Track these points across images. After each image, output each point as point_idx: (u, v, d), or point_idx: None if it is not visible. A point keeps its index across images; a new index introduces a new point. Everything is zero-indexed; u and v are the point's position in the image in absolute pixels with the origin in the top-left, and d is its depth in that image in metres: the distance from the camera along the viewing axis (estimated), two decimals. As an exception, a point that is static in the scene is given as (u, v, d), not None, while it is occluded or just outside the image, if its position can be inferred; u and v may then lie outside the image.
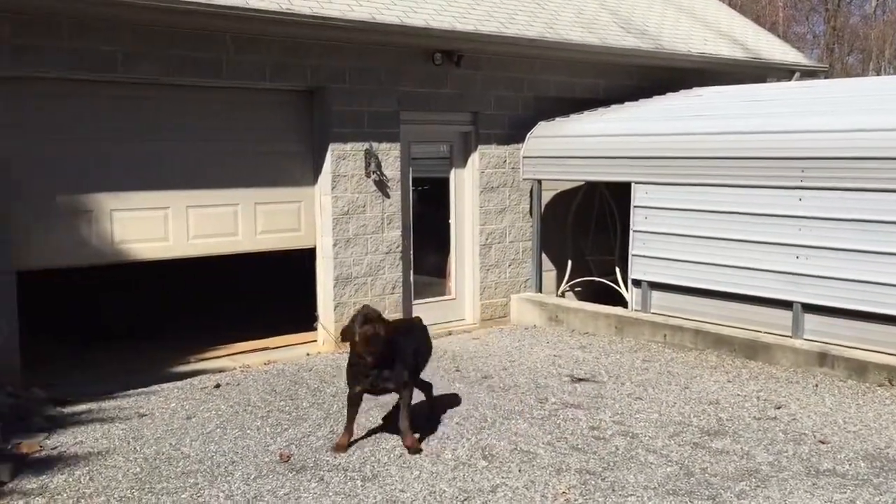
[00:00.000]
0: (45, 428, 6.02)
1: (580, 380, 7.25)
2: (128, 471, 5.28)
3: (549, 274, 10.31)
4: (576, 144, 9.26)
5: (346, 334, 5.53)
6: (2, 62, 6.65)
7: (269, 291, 10.61)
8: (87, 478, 5.16)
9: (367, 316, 5.44)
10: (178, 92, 7.72)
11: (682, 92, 10.30)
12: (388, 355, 5.55)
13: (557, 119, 9.73)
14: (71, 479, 5.13)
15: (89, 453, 5.58)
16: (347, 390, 5.76)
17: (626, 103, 10.04)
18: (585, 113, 9.82)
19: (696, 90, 10.27)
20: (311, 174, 8.63)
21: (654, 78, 10.66)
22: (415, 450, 5.54)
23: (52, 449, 5.65)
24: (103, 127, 7.39)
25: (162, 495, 4.89)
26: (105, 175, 7.40)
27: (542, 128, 9.69)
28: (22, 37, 6.72)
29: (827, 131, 7.38)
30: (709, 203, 8.17)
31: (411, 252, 9.27)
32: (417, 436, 5.70)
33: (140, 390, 7.04)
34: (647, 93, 10.36)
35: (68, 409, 6.50)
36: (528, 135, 9.70)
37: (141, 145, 7.58)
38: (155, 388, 7.14)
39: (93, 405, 6.63)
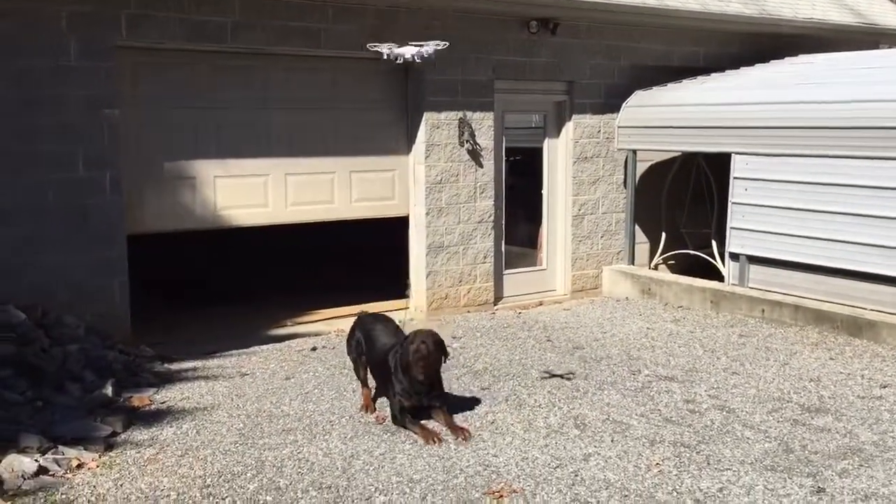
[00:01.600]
0: (154, 384, 6.32)
1: (670, 356, 7.16)
2: (231, 426, 5.50)
3: (642, 246, 10.15)
4: (673, 114, 9.05)
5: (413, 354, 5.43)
6: (120, 32, 6.92)
7: (362, 259, 10.80)
8: (194, 431, 5.41)
9: (425, 338, 5.42)
10: (281, 61, 7.90)
11: (787, 59, 9.90)
12: (437, 375, 5.55)
13: (654, 88, 9.51)
14: (179, 432, 5.39)
15: (195, 408, 5.84)
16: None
17: (727, 71, 9.73)
18: (684, 81, 9.56)
19: (802, 57, 9.86)
20: (405, 143, 8.71)
21: (756, 45, 10.29)
22: (469, 434, 5.37)
23: (160, 403, 5.94)
24: (211, 96, 7.63)
25: (264, 450, 5.09)
26: (210, 143, 7.65)
27: (638, 97, 9.50)
28: (140, 7, 6.97)
29: (945, 99, 7.00)
30: (812, 174, 7.88)
31: (503, 222, 9.27)
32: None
33: (241, 351, 7.31)
34: (748, 61, 10.00)
35: (175, 367, 6.80)
36: (623, 104, 9.52)
37: (246, 114, 7.80)
38: (255, 349, 7.40)
39: (197, 363, 6.92)
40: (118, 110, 6.99)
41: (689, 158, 9.95)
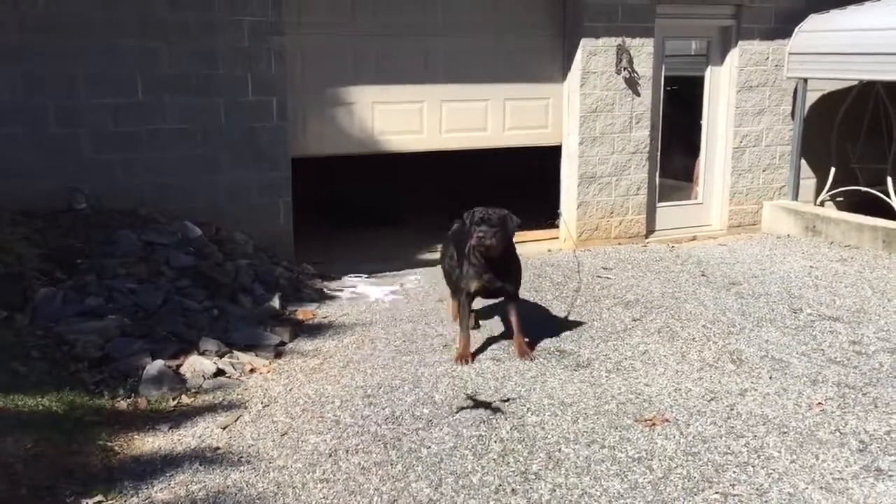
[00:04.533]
0: (315, 299, 6.66)
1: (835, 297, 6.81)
2: (388, 342, 5.74)
3: (807, 182, 9.61)
4: (852, 39, 8.39)
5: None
6: (286, -38, 7.13)
7: (511, 188, 10.80)
8: (354, 346, 5.68)
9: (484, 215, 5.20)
10: (443, -12, 7.91)
11: None
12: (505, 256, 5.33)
13: (832, 11, 8.84)
14: (340, 346, 5.68)
15: (354, 324, 6.12)
16: (456, 299, 5.60)
17: (918, -9, 8.90)
18: (867, 3, 8.81)
19: None
20: (560, 71, 8.56)
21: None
22: (529, 357, 5.38)
23: (322, 318, 6.26)
24: (372, 23, 7.74)
25: (420, 367, 5.27)
26: (370, 69, 7.79)
27: (813, 21, 8.86)
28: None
29: None
30: None
31: (658, 153, 9.00)
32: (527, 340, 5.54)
33: (394, 273, 7.55)
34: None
35: (333, 285, 7.13)
36: (796, 29, 8.92)
37: (404, 40, 7.87)
38: (407, 271, 7.63)
39: (354, 282, 7.22)
40: (285, 37, 7.23)
41: (866, 88, 9.25)
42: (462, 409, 4.65)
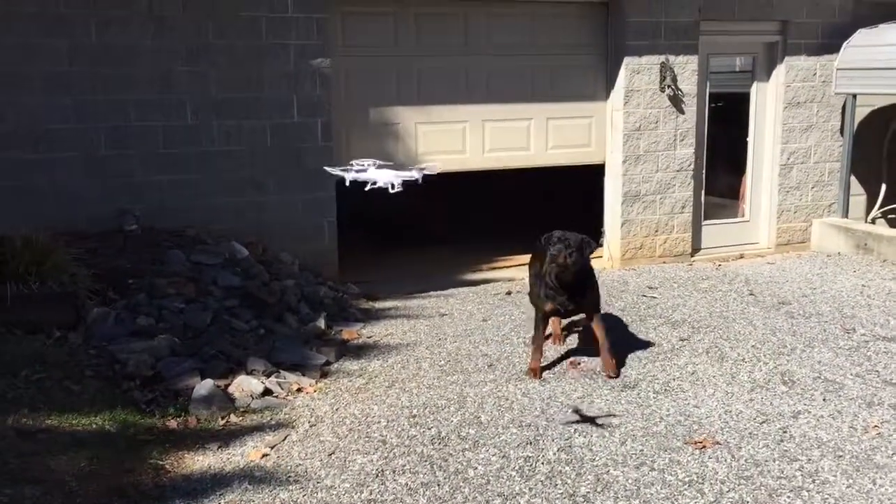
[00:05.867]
0: (360, 319, 6.69)
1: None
2: (433, 362, 5.73)
3: (858, 199, 9.43)
4: (902, 53, 8.25)
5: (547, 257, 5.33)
6: (326, -15, 7.25)
7: (555, 207, 10.75)
8: (399, 365, 5.68)
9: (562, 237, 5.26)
10: (484, 8, 7.94)
11: None
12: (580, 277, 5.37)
13: (881, 25, 8.70)
14: (385, 365, 5.69)
15: (399, 344, 6.13)
16: (534, 314, 5.62)
17: (969, 5, 8.73)
18: (916, 17, 8.69)
19: None
20: (603, 89, 8.53)
21: None
22: (615, 372, 5.40)
23: (367, 337, 6.28)
24: (414, 44, 7.81)
25: (465, 387, 5.25)
26: (412, 90, 7.87)
27: (862, 36, 8.73)
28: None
29: None
30: None
31: (703, 171, 8.91)
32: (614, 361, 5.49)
33: (439, 292, 7.55)
34: None
35: (378, 305, 7.16)
36: (844, 44, 8.79)
37: (446, 61, 7.94)
38: (451, 291, 7.63)
39: (398, 302, 7.24)
40: (329, 59, 7.33)
41: (917, 103, 9.08)
42: (507, 429, 4.62)
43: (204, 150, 7.03)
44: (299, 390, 5.19)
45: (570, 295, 5.37)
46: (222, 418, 4.75)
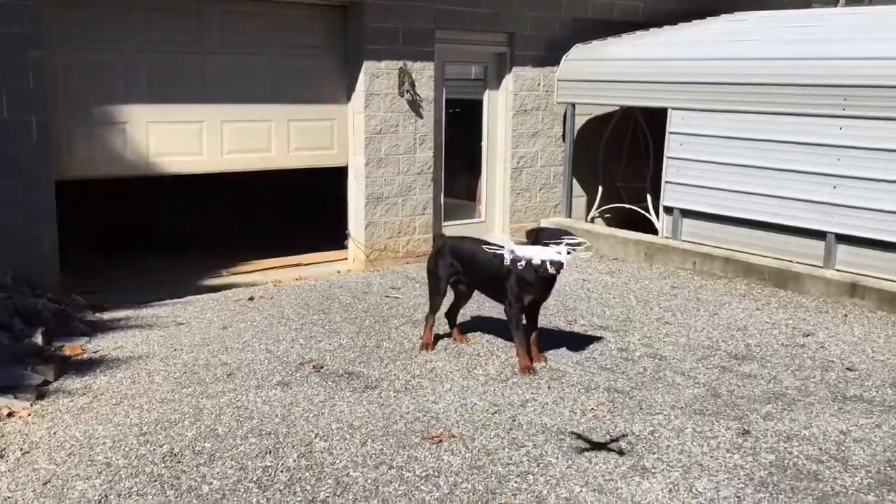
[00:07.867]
0: (86, 333, 6.19)
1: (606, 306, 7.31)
2: (168, 375, 5.44)
3: (579, 200, 10.28)
4: (612, 68, 9.11)
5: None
6: (40, -31, 6.62)
7: (299, 209, 10.68)
8: (129, 380, 5.32)
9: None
10: (218, 5, 7.67)
11: (724, 16, 10.03)
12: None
13: (594, 42, 9.55)
14: (113, 381, 5.30)
15: (129, 357, 5.74)
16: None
17: (665, 27, 9.82)
18: (623, 36, 9.62)
19: (739, 14, 10.00)
20: (344, 92, 8.59)
21: (695, 1, 10.39)
22: (535, 368, 5.67)
23: (93, 352, 5.83)
24: (144, 39, 7.38)
25: (202, 398, 5.04)
26: (143, 87, 7.43)
27: (578, 50, 9.53)
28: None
29: (875, 58, 7.19)
30: (745, 130, 8.05)
31: (442, 174, 9.26)
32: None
33: (176, 300, 7.19)
34: (687, 17, 10.10)
35: (108, 316, 6.67)
36: (563, 57, 9.55)
37: (180, 58, 7.59)
38: (190, 298, 7.29)
39: (130, 312, 6.79)
40: (44, 52, 6.70)
41: (626, 113, 10.06)
42: (246, 439, 4.48)
43: None
44: (11, 415, 4.69)
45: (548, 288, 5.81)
46: (-88, 454, 4.17)
